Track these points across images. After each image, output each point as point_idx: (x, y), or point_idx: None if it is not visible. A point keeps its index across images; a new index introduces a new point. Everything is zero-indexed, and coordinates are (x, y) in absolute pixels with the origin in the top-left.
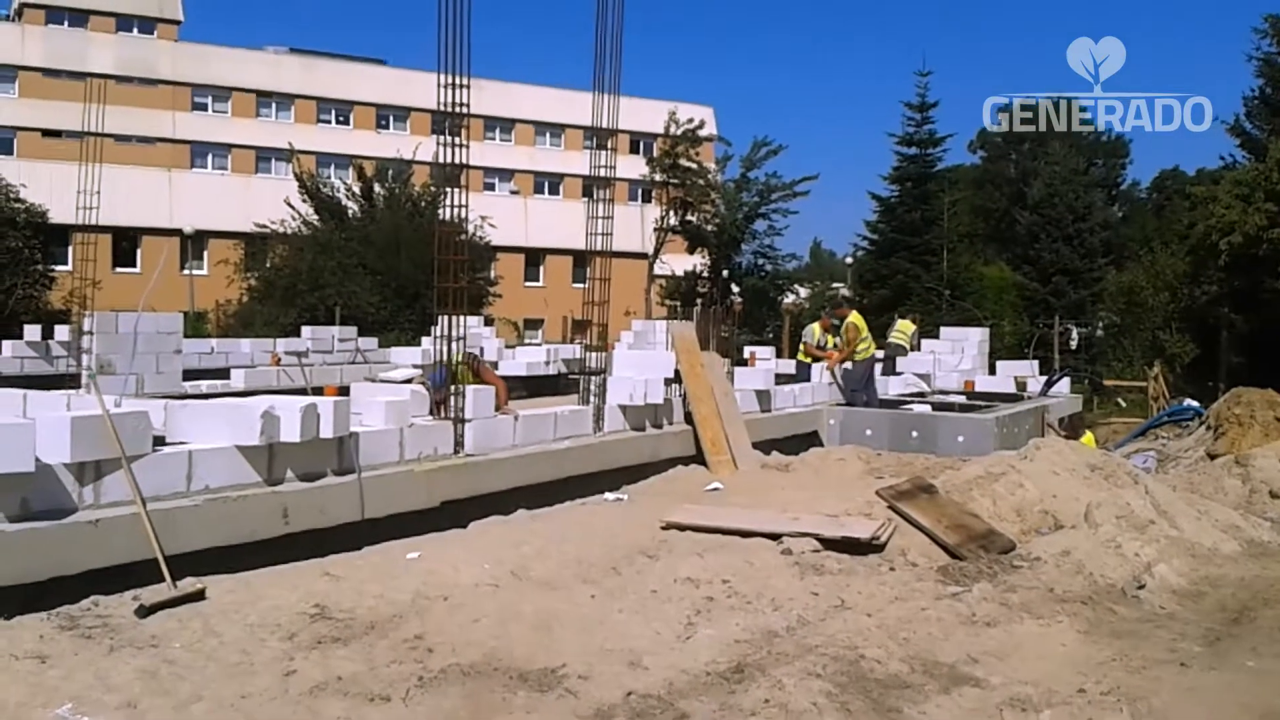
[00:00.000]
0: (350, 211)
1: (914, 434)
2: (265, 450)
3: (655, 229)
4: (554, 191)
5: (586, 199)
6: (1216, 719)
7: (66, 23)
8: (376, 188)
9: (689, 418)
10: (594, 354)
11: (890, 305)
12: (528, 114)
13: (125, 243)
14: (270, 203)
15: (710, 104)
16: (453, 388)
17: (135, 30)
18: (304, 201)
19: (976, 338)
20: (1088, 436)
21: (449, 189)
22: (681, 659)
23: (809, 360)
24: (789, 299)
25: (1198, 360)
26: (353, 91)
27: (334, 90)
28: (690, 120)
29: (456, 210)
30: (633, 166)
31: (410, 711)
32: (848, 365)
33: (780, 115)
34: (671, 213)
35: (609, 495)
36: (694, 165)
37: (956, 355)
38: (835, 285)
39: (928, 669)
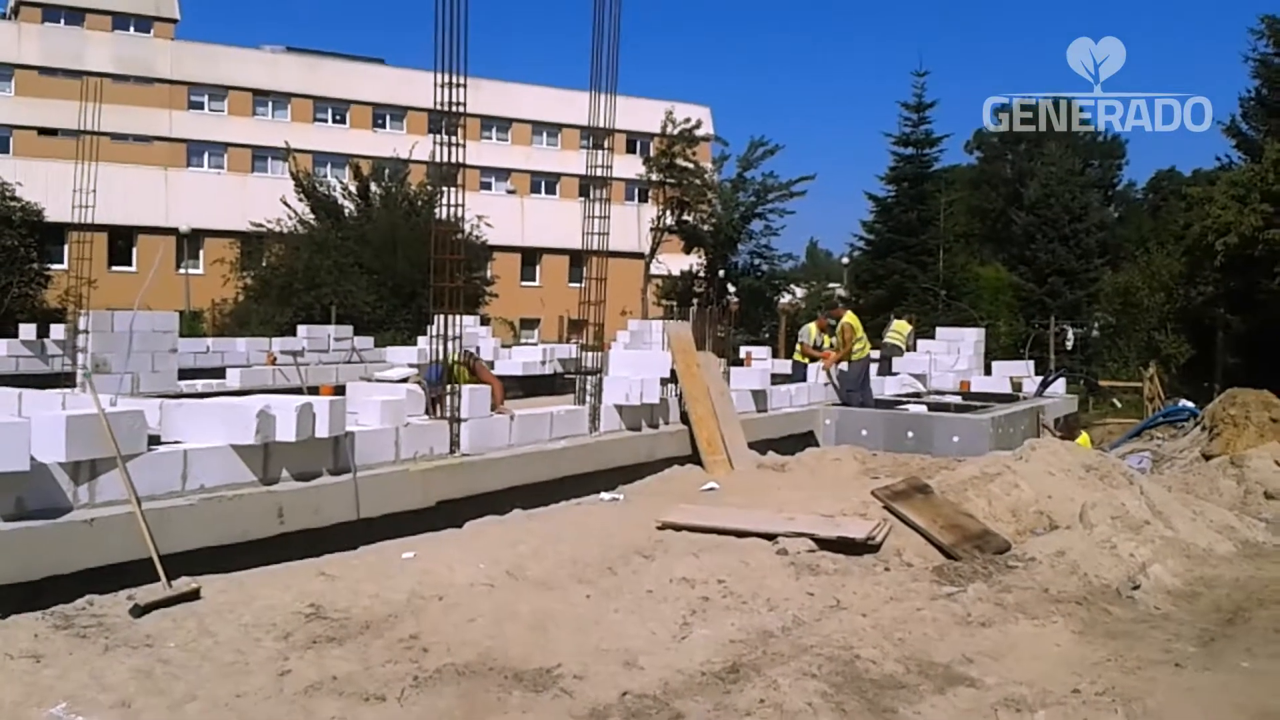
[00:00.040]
0: (347, 211)
1: (909, 434)
2: (260, 450)
3: (652, 229)
4: (550, 191)
5: (583, 198)
6: (1211, 719)
7: (63, 21)
8: (373, 187)
9: (685, 418)
10: (590, 354)
11: (886, 305)
12: (525, 113)
13: (121, 241)
14: (266, 202)
15: (707, 104)
16: (449, 387)
17: (132, 29)
18: (300, 200)
19: (972, 338)
20: (1083, 437)
21: (445, 188)
22: (677, 659)
23: (805, 360)
24: (785, 299)
25: (1193, 361)
26: (349, 90)
27: (331, 89)
28: (687, 120)
29: (453, 209)
30: (629, 166)
31: (405, 711)
32: (843, 366)
33: (777, 115)
34: (668, 212)
35: (605, 495)
36: (691, 165)
37: (952, 355)
38: (831, 285)
39: (923, 669)
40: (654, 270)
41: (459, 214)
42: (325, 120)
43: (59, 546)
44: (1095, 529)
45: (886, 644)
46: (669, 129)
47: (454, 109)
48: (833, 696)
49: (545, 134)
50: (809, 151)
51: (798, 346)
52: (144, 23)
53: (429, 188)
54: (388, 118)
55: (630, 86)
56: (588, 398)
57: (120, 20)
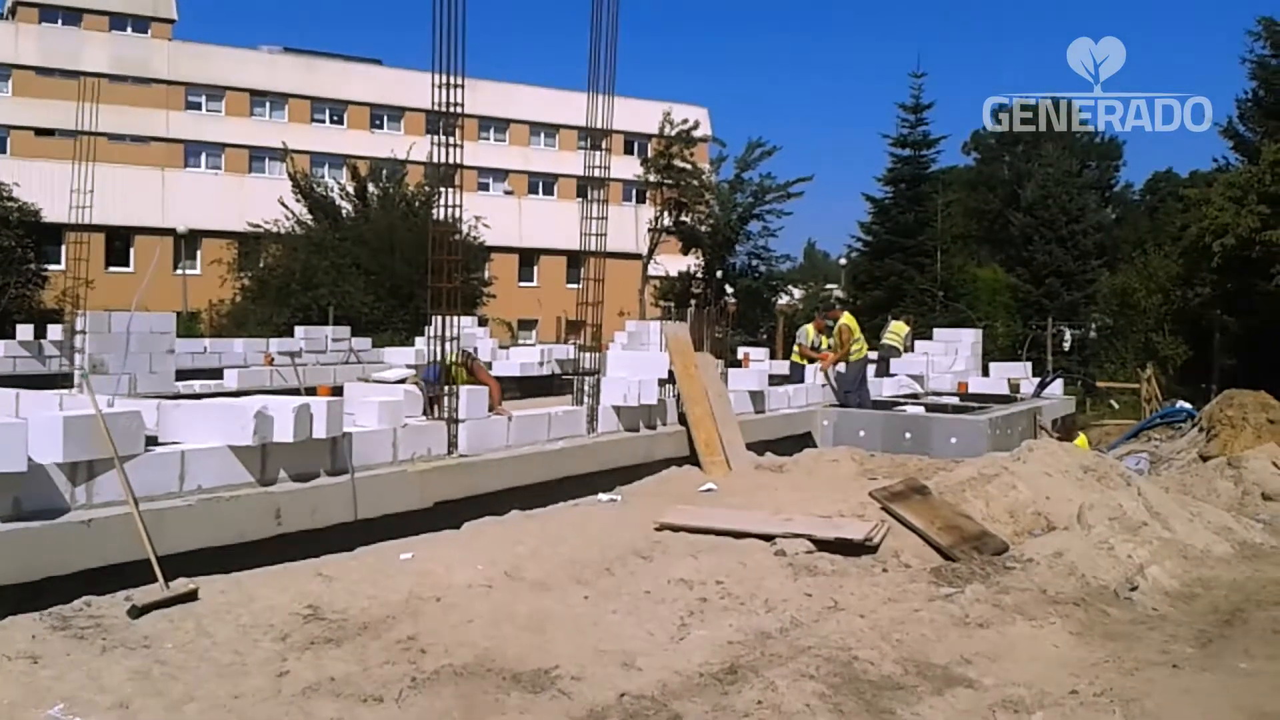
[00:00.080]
0: (344, 211)
1: (907, 435)
2: (258, 450)
3: (649, 230)
4: (548, 192)
5: (581, 199)
6: None
7: (60, 21)
8: (370, 187)
9: (683, 419)
10: (588, 354)
11: (884, 306)
12: (522, 114)
13: (118, 242)
14: (264, 202)
15: (705, 105)
16: (446, 388)
17: (129, 29)
18: (298, 201)
19: (970, 339)
20: (1080, 438)
21: (443, 189)
22: (675, 660)
23: (803, 361)
24: (783, 300)
25: (1190, 362)
26: (347, 91)
27: (328, 90)
28: (685, 121)
29: (450, 210)
30: (627, 167)
31: (403, 712)
32: (840, 367)
33: (775, 116)
34: (666, 213)
35: (603, 496)
36: (688, 166)
37: (950, 357)
38: (829, 286)
39: (921, 670)
40: (652, 271)
41: (457, 215)
42: (323, 121)
43: (56, 547)
44: (1093, 530)
45: (884, 645)
46: (667, 130)
47: (452, 109)
48: (830, 697)
49: (543, 135)
50: (807, 153)
51: (795, 348)
52: (141, 23)
53: (426, 188)
54: (385, 118)
55: (628, 87)
56: (585, 399)
57: (117, 20)
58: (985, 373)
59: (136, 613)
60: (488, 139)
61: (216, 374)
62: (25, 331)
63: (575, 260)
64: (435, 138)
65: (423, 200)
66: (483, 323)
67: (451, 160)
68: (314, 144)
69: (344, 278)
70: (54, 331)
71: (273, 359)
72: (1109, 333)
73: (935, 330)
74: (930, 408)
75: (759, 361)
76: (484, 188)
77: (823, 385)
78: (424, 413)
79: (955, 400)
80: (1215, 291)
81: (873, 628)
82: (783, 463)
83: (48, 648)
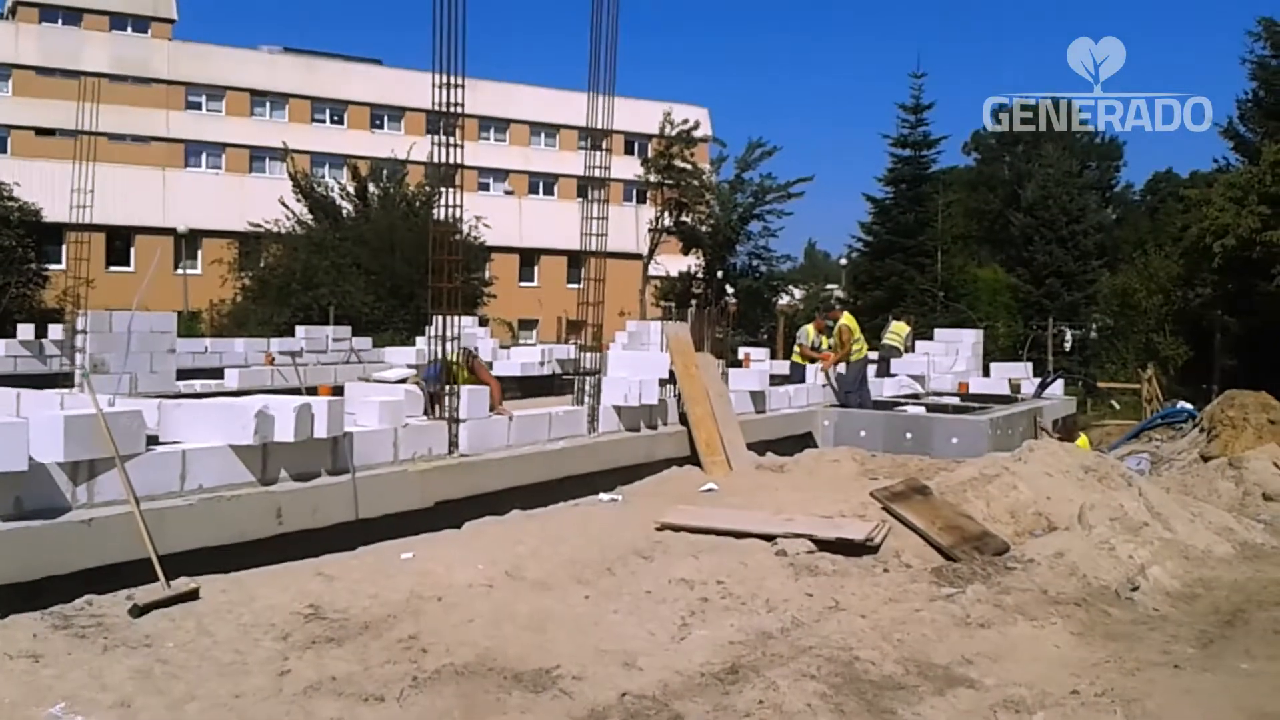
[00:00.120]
0: (345, 211)
1: (908, 435)
2: (259, 450)
3: (650, 230)
4: (549, 192)
5: (581, 199)
6: None
7: (60, 21)
8: (371, 187)
9: (684, 419)
10: (589, 354)
11: (885, 307)
12: (522, 114)
13: (119, 242)
14: (264, 202)
15: (705, 105)
16: (447, 388)
17: (129, 29)
18: (298, 201)
19: (970, 339)
20: (1081, 439)
21: (443, 189)
22: (676, 660)
23: (804, 362)
24: (783, 300)
25: (1191, 362)
26: (347, 91)
27: (328, 90)
28: (685, 121)
29: (451, 210)
30: (627, 167)
31: (404, 712)
32: (840, 368)
33: (775, 116)
34: (666, 214)
35: (604, 496)
36: (689, 166)
37: (950, 357)
38: (830, 286)
39: (922, 670)
40: (652, 271)
41: (457, 215)
42: (323, 121)
43: (57, 546)
44: (1094, 530)
45: (885, 645)
46: (667, 130)
47: (452, 109)
48: (832, 698)
49: (543, 135)
50: (807, 153)
51: (796, 348)
52: (141, 23)
53: (427, 188)
54: (385, 118)
55: (628, 88)
56: (586, 398)
57: (118, 20)
58: (986, 373)
59: (138, 612)
60: (488, 139)
61: (217, 374)
62: (26, 331)
63: (576, 260)
64: (435, 138)
65: (423, 200)
66: (483, 323)
67: (452, 160)
68: (314, 144)
69: (345, 277)
70: (55, 331)
71: (273, 359)
72: (1110, 333)
73: (936, 330)
74: (931, 408)
75: (760, 362)
76: (484, 188)
77: (823, 386)
78: (425, 412)
79: (956, 400)
80: (1216, 292)
81: (874, 628)
82: (784, 463)
83: (49, 646)
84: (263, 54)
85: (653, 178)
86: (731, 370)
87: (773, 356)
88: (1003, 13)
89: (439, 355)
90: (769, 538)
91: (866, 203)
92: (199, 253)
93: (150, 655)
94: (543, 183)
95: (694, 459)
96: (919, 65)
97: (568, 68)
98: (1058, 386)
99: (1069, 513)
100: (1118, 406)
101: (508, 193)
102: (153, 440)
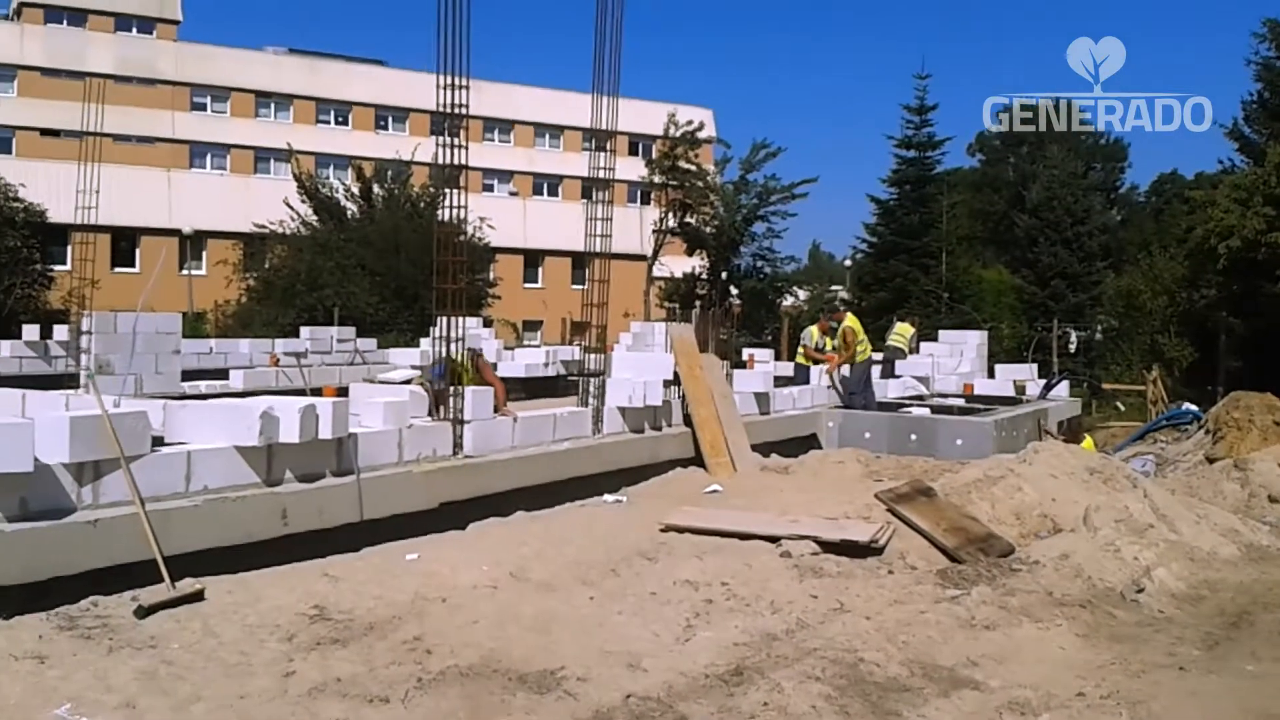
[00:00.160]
0: (349, 212)
1: (913, 437)
2: (264, 451)
3: (654, 231)
4: (553, 193)
5: (585, 200)
6: None
7: (65, 22)
8: (375, 188)
9: (688, 420)
10: (593, 356)
11: (889, 308)
12: (527, 115)
13: (124, 243)
14: (269, 203)
15: (709, 106)
16: (452, 389)
17: (134, 30)
18: (303, 202)
19: (975, 341)
20: (1086, 440)
21: (448, 190)
22: (680, 661)
23: (808, 363)
24: (788, 301)
25: (1196, 364)
26: (352, 92)
27: (333, 91)
28: (689, 122)
29: (455, 211)
30: (632, 168)
31: (409, 713)
32: (844, 369)
33: (779, 118)
34: (670, 215)
35: (608, 497)
36: (693, 167)
37: (955, 358)
38: (834, 288)
39: (927, 672)
40: (656, 272)
41: (461, 216)
42: (328, 122)
43: (63, 547)
44: (1099, 532)
45: (890, 647)
46: (671, 131)
47: (456, 111)
48: (836, 699)
49: (547, 136)
50: (811, 154)
51: (800, 349)
52: (146, 24)
53: (431, 189)
54: (390, 119)
55: (633, 89)
56: (590, 400)
57: (123, 21)
58: (991, 374)
59: (143, 613)
60: (492, 140)
61: (222, 374)
62: (31, 332)
63: (580, 261)
64: (440, 139)
65: (428, 201)
66: (488, 324)
67: (456, 161)
68: (319, 145)
69: (349, 278)
70: (60, 332)
71: (278, 360)
72: (1114, 334)
73: (940, 332)
74: (936, 409)
75: (764, 363)
76: (489, 189)
77: (827, 387)
78: (429, 413)
79: (961, 402)
80: (1221, 293)
81: (879, 629)
82: (788, 464)
83: (54, 647)
84: (267, 55)
85: (657, 179)
86: (736, 371)
87: (777, 358)
88: (1008, 13)
89: (445, 354)
90: (774, 539)
91: (871, 204)
92: (204, 254)
93: (155, 656)
94: (547, 184)
95: (698, 460)
96: (923, 66)
97: (572, 69)
98: (1063, 388)
99: (1074, 514)
100: (1123, 408)
101: (512, 194)
102: (158, 441)
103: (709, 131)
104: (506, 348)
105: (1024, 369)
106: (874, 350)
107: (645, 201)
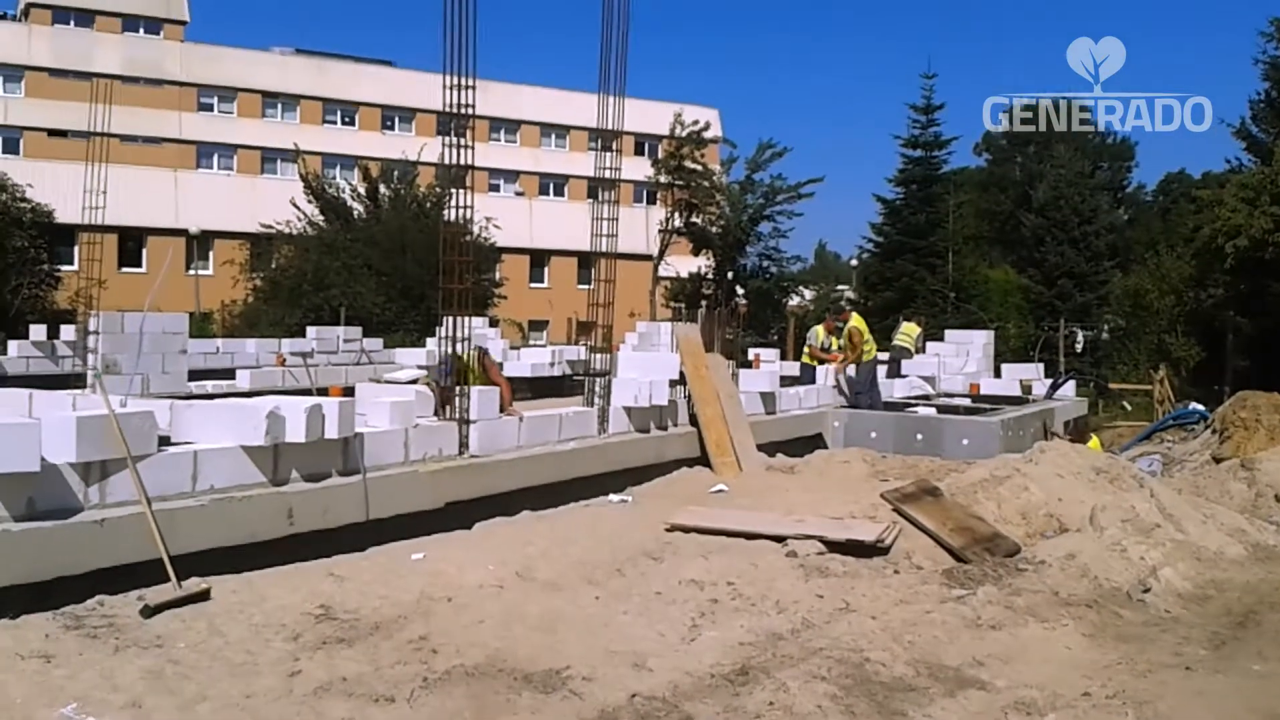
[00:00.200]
0: (355, 212)
1: (919, 437)
2: (270, 451)
3: (660, 231)
4: (559, 193)
5: (591, 200)
6: None
7: (73, 23)
8: (382, 189)
9: (694, 420)
10: (599, 355)
11: (895, 308)
12: (533, 115)
13: (131, 243)
14: (276, 203)
15: (715, 106)
16: (458, 388)
17: (141, 30)
18: (309, 202)
19: (981, 341)
20: (1093, 440)
21: (454, 190)
22: (686, 661)
23: (813, 363)
24: (793, 301)
25: (1203, 364)
26: (358, 92)
27: (339, 91)
28: (695, 122)
29: (461, 211)
30: (638, 168)
31: (415, 712)
32: (850, 369)
33: (785, 117)
34: (676, 214)
35: (614, 497)
36: (699, 167)
37: (961, 358)
38: (840, 287)
39: (933, 672)
40: (662, 272)
41: (467, 216)
42: (334, 122)
43: (69, 547)
44: (1105, 532)
45: (896, 647)
46: (677, 131)
47: (462, 111)
48: (842, 699)
49: (553, 136)
50: (817, 154)
51: (805, 349)
52: (154, 24)
53: (437, 189)
54: (396, 120)
55: (639, 89)
56: (596, 399)
57: (130, 22)
58: (997, 374)
59: (149, 612)
60: (498, 140)
61: (229, 374)
62: (38, 332)
63: (586, 261)
64: (446, 139)
65: (434, 201)
66: (494, 324)
67: (462, 161)
68: (326, 145)
69: (355, 278)
70: (67, 332)
71: (284, 359)
72: (1121, 334)
73: (947, 332)
74: (942, 409)
75: (770, 363)
76: (495, 189)
77: (833, 386)
78: (435, 413)
79: (967, 402)
80: (1228, 293)
81: (884, 629)
82: (794, 464)
83: (61, 647)
84: (274, 55)
85: (663, 179)
86: (742, 371)
87: (783, 358)
88: (1015, 13)
89: (451, 353)
90: (779, 539)
91: (877, 204)
92: (210, 254)
93: (162, 656)
94: (553, 184)
95: (704, 460)
96: (929, 66)
97: (578, 69)
98: (1069, 388)
99: (1080, 514)
100: (1129, 408)
101: (518, 194)
102: (164, 441)
103: (715, 131)
104: (512, 347)
105: (1030, 369)
106: (880, 350)
107: (651, 201)
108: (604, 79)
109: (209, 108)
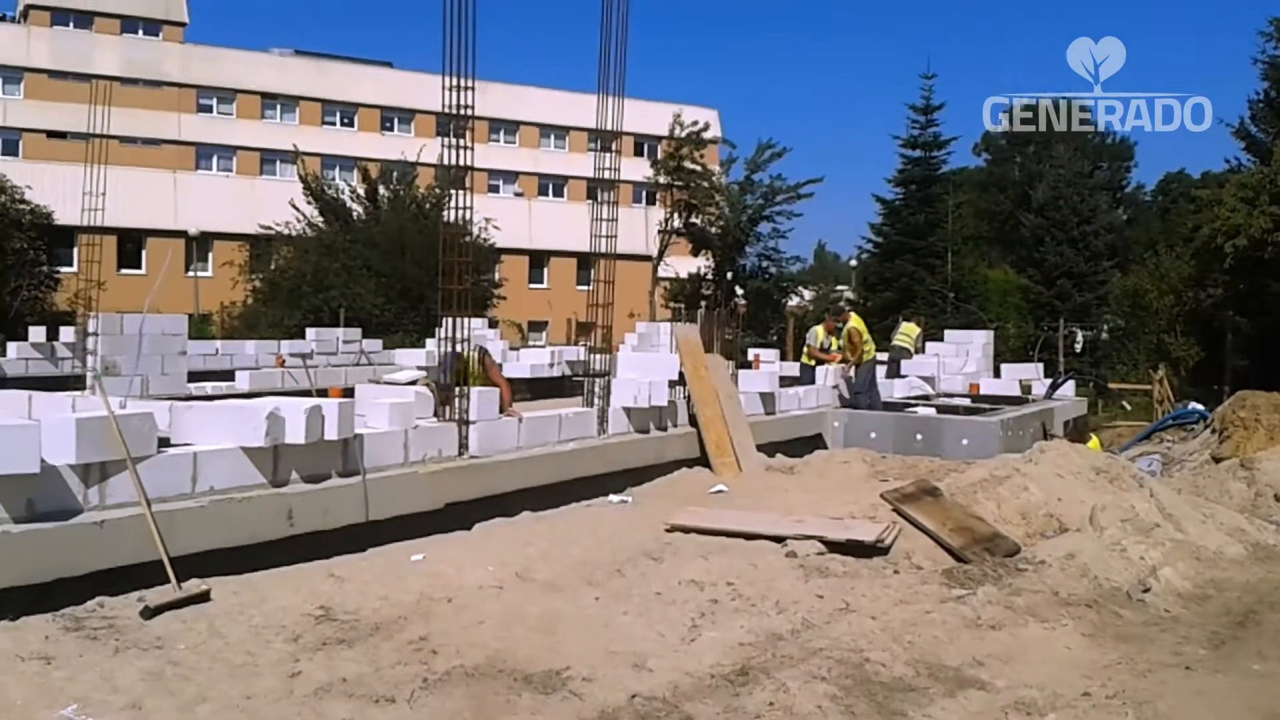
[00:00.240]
0: (355, 213)
1: (918, 437)
2: (270, 452)
3: (659, 231)
4: (558, 194)
5: (591, 201)
6: None
7: (72, 24)
8: (381, 190)
9: (693, 420)
10: (598, 356)
11: (894, 308)
12: (532, 116)
13: (130, 244)
14: (275, 204)
15: (715, 106)
16: (457, 389)
17: (140, 32)
18: (309, 203)
19: (981, 341)
20: (1093, 440)
21: (453, 191)
22: (686, 661)
23: (812, 363)
24: (793, 301)
25: (1202, 363)
26: (357, 93)
27: (339, 92)
28: (695, 123)
29: (461, 212)
30: (637, 169)
31: (415, 713)
32: (850, 371)
33: (784, 118)
34: (676, 215)
35: (613, 497)
36: (698, 168)
37: (961, 358)
38: (839, 288)
39: (932, 672)
40: (662, 273)
41: (467, 217)
42: (333, 123)
43: (69, 548)
44: (1105, 532)
45: (896, 647)
46: (677, 131)
47: (462, 112)
48: (842, 699)
49: (553, 136)
50: (817, 154)
51: (805, 349)
52: (153, 26)
53: (437, 190)
54: (395, 120)
55: (638, 89)
56: (596, 400)
57: (129, 23)
58: (997, 374)
59: (149, 614)
60: (498, 141)
61: (228, 376)
62: (38, 333)
63: (585, 262)
64: (445, 140)
65: (433, 202)
66: (493, 324)
67: (462, 162)
68: (325, 146)
69: (355, 280)
70: (66, 333)
71: (284, 361)
72: (1121, 334)
73: (946, 332)
74: (941, 409)
75: (769, 363)
76: (494, 190)
77: (833, 386)
78: (435, 414)
79: (967, 402)
80: (1227, 292)
81: (884, 629)
82: (793, 464)
83: (61, 648)
84: (273, 56)
85: (662, 179)
86: (741, 372)
87: (782, 358)
88: (1016, 13)
89: (451, 351)
90: (779, 539)
91: (876, 204)
92: (210, 255)
93: (162, 657)
94: (552, 184)
95: (704, 460)
96: (929, 66)
97: (577, 69)
98: (1069, 388)
99: (1080, 514)
100: (1129, 408)
101: (517, 194)
102: (164, 442)
103: (714, 132)
104: (512, 348)
105: (1030, 369)
106: (879, 350)
107: (650, 202)
108: (603, 80)
109: (208, 109)
